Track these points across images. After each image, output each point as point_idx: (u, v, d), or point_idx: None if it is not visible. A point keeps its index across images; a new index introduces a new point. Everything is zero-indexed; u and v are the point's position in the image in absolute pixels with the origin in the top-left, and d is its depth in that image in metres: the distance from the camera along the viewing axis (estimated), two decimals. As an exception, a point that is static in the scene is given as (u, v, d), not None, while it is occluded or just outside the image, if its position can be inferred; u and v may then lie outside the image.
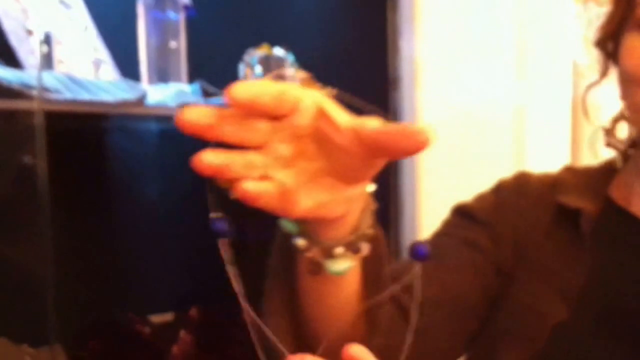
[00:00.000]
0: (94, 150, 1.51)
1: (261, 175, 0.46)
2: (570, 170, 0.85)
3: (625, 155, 0.82)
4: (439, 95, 1.44)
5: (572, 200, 0.79)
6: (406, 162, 1.40)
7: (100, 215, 1.53)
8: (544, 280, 0.76)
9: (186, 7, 1.41)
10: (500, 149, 1.53)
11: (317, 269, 0.55)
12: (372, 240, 0.56)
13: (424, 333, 0.71)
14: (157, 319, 1.53)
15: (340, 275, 0.55)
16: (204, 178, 0.47)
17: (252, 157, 0.47)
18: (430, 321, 0.71)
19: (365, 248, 0.55)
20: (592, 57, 0.84)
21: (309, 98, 0.47)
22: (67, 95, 1.06)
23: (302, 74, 0.49)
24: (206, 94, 1.33)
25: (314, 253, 0.54)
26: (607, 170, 0.83)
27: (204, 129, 0.45)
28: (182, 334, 1.49)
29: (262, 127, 0.47)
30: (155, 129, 1.62)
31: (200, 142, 0.48)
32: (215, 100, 1.31)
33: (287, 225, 0.54)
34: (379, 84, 1.43)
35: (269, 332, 0.49)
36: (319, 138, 0.48)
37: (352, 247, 0.54)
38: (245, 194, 0.46)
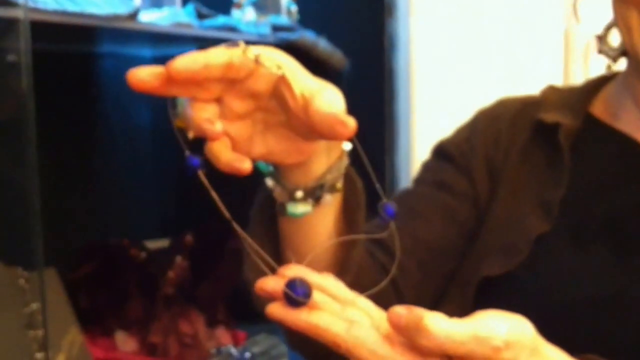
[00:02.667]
0: (84, 74, 1.49)
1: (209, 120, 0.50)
2: (552, 89, 0.85)
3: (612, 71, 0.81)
4: (433, 24, 1.42)
5: (550, 116, 0.78)
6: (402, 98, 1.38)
7: (93, 138, 1.53)
8: (525, 195, 0.76)
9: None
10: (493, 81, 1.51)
11: (280, 209, 0.61)
12: (340, 192, 0.60)
13: (397, 282, 0.75)
14: (152, 244, 1.54)
15: (297, 217, 0.60)
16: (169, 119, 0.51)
17: (203, 105, 0.50)
18: (402, 270, 0.74)
19: (328, 198, 0.59)
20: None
21: (272, 62, 0.49)
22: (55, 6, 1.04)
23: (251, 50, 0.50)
24: (200, 15, 1.31)
25: (278, 193, 0.60)
26: (590, 88, 0.83)
27: (155, 88, 0.47)
28: (178, 259, 1.50)
29: (213, 86, 0.50)
30: (147, 55, 1.60)
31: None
32: (209, 21, 1.29)
33: (261, 166, 0.59)
34: (375, 12, 1.40)
35: (261, 252, 0.51)
36: (278, 98, 0.51)
37: (312, 194, 0.59)
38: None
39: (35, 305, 1.02)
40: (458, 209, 0.79)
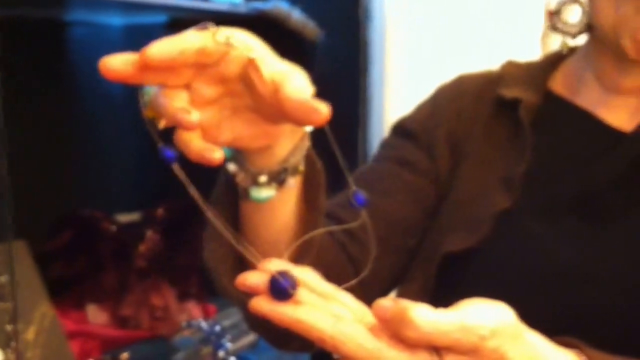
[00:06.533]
0: (52, 42, 1.46)
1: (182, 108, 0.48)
2: (512, 64, 0.85)
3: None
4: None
5: (510, 92, 0.79)
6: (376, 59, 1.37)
7: (63, 109, 1.50)
8: (486, 170, 0.77)
9: None
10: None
11: (244, 194, 0.60)
12: (301, 174, 0.59)
13: (355, 258, 0.75)
14: (124, 217, 1.52)
15: (260, 202, 0.59)
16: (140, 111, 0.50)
17: (175, 93, 0.49)
18: (360, 245, 0.75)
19: (291, 181, 0.59)
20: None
21: (242, 45, 0.49)
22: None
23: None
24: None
25: (241, 178, 0.59)
26: (549, 64, 0.83)
27: (128, 76, 0.46)
28: (149, 233, 1.49)
29: (185, 72, 0.49)
30: (117, 23, 1.56)
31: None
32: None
33: (224, 151, 0.58)
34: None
35: (227, 234, 0.51)
36: (246, 81, 0.51)
37: (276, 178, 0.58)
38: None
39: (3, 278, 1.00)
40: (419, 186, 0.80)
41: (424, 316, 0.42)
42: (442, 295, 0.72)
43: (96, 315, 1.34)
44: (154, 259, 1.45)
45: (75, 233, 1.40)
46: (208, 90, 0.51)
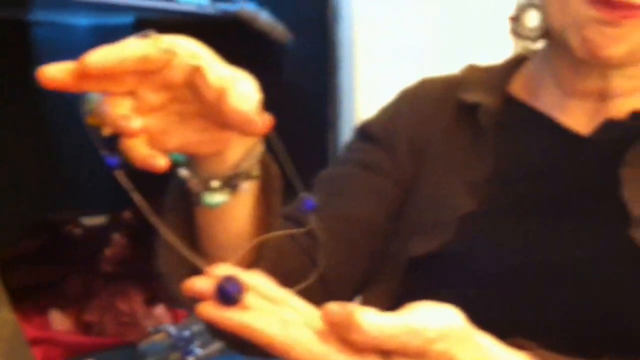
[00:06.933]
0: (17, 42, 1.43)
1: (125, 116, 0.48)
2: (473, 68, 0.85)
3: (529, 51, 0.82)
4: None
5: (471, 96, 0.79)
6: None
7: (26, 111, 1.48)
8: (449, 175, 0.77)
9: None
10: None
11: (196, 200, 0.59)
12: (256, 179, 0.59)
13: (319, 262, 0.73)
14: (89, 221, 1.50)
15: (213, 207, 0.59)
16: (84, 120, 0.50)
17: (118, 100, 0.49)
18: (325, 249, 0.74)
19: (245, 186, 0.59)
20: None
21: (186, 52, 0.49)
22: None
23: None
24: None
25: (193, 184, 0.58)
26: (510, 67, 0.84)
27: (67, 85, 0.46)
28: (116, 236, 1.47)
29: (128, 79, 0.49)
30: (83, 23, 1.54)
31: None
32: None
33: (174, 157, 0.57)
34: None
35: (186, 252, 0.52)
36: (192, 88, 0.51)
37: (228, 183, 0.58)
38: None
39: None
40: (383, 189, 0.79)
41: (370, 320, 0.42)
42: (408, 299, 0.71)
43: (59, 322, 1.31)
44: (120, 263, 1.43)
45: (40, 237, 1.38)
46: (153, 97, 0.50)
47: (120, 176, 0.47)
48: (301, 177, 0.62)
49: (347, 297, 0.79)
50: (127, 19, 1.45)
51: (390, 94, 0.88)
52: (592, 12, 0.69)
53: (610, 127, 0.75)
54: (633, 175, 0.70)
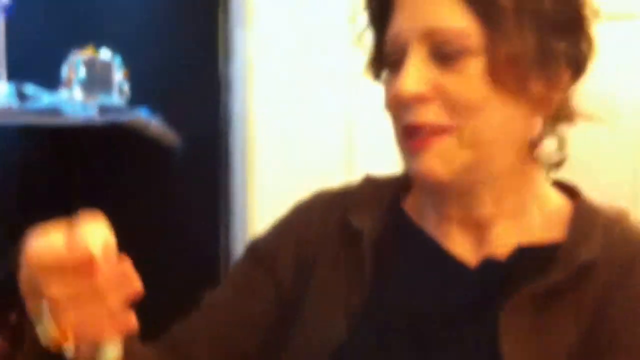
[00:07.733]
0: None
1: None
2: (369, 182, 0.83)
3: None
4: (271, 99, 1.43)
5: (357, 220, 0.78)
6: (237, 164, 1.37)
7: None
8: (329, 301, 0.76)
9: (5, 6, 1.32)
10: (331, 155, 1.53)
11: None
12: None
13: None
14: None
15: None
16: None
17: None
18: None
19: None
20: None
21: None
22: None
23: None
24: (22, 96, 1.25)
25: None
26: (406, 180, 0.81)
27: None
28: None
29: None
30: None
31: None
32: (30, 103, 1.24)
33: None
34: (211, 87, 1.40)
35: None
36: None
37: None
38: None
39: None
40: (261, 315, 0.79)
41: None
42: None
43: None
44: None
45: None
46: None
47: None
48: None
49: None
50: (10, 135, 1.40)
51: (287, 199, 0.88)
52: (407, 143, 0.71)
53: (490, 266, 0.73)
54: (511, 326, 0.68)
